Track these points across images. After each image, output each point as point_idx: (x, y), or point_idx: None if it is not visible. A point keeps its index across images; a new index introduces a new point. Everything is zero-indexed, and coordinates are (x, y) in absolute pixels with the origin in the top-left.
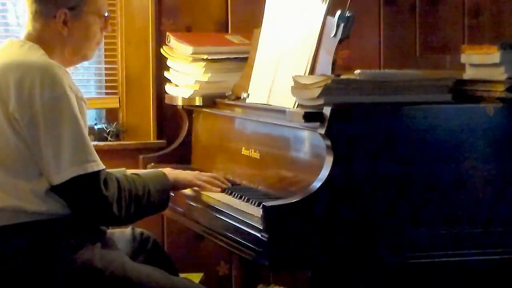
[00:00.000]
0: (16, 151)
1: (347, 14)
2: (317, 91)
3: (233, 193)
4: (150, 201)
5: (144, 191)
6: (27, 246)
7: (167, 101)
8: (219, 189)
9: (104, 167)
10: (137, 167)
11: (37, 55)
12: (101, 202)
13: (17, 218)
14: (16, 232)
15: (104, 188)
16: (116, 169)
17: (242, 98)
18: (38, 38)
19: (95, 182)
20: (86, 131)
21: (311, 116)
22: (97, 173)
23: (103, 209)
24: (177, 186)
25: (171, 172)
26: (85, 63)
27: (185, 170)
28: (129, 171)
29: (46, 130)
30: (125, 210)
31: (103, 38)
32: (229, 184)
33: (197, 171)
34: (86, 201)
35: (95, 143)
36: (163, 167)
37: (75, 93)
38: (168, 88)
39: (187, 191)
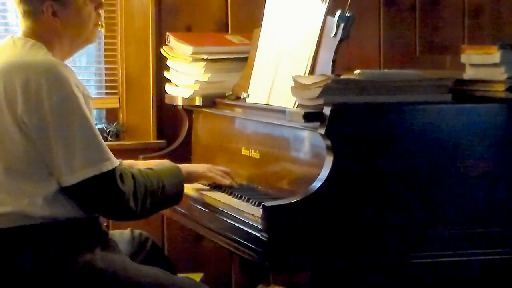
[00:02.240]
0: (24, 153)
1: (347, 14)
2: (317, 91)
3: (233, 193)
4: (164, 195)
5: (159, 185)
6: (29, 249)
7: (167, 101)
8: (229, 182)
9: (118, 162)
10: None
11: (41, 55)
12: (118, 198)
13: (21, 221)
14: (19, 234)
15: (120, 183)
16: None
17: (242, 98)
18: (35, 35)
19: (111, 180)
20: (96, 129)
21: (311, 116)
22: (112, 171)
23: (120, 205)
24: (190, 178)
25: (183, 165)
26: (85, 63)
27: None
28: (142, 163)
29: (56, 132)
30: (141, 204)
31: (103, 29)
32: (236, 184)
33: (210, 164)
34: (104, 199)
35: None
36: None
37: (81, 92)
38: (168, 88)
39: (188, 192)
